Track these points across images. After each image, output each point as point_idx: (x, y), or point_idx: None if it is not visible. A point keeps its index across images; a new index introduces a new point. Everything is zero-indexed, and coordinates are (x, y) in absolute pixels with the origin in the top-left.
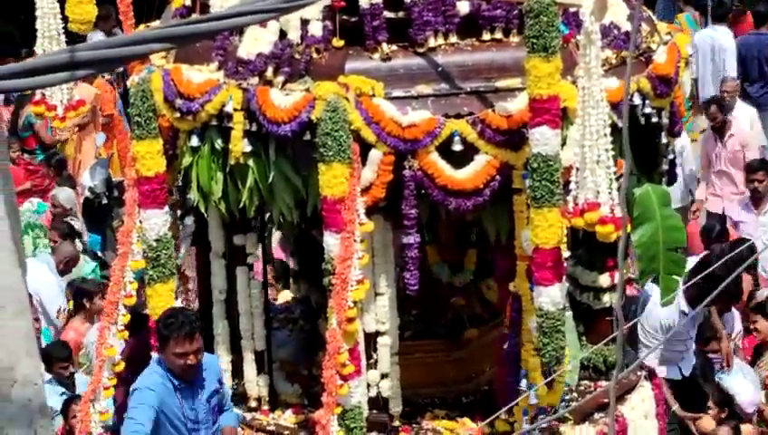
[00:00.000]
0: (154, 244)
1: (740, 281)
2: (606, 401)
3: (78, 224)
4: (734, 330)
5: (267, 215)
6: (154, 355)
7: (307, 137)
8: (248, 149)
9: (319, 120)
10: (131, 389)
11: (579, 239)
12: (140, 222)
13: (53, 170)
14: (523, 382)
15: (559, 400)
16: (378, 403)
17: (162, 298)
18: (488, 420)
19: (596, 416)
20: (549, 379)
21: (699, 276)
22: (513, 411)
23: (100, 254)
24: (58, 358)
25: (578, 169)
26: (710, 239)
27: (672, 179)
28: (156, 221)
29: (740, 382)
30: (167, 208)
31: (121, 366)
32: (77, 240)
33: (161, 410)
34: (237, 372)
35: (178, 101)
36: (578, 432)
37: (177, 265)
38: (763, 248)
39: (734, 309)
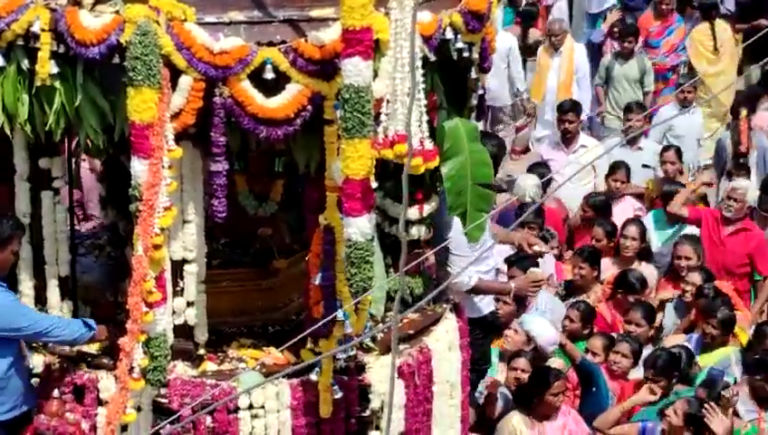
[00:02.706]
0: None
1: None
2: (411, 332)
3: None
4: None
5: (75, 139)
6: None
7: (116, 60)
8: (55, 71)
9: (128, 44)
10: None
11: (388, 171)
12: None
13: None
14: (340, 312)
15: (363, 328)
16: (183, 331)
17: None
18: (285, 345)
19: (400, 347)
20: (352, 303)
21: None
22: (318, 341)
23: None
24: None
25: (389, 101)
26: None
27: (480, 115)
28: None
29: (539, 323)
30: None
31: None
32: None
33: None
34: (40, 297)
35: None
36: (382, 362)
37: None
38: (565, 181)
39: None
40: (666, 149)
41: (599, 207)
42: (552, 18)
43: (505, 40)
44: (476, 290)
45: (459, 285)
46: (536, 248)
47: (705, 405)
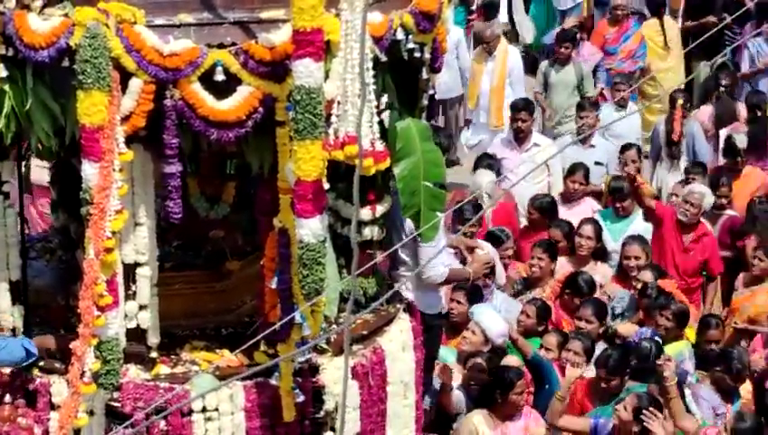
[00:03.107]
0: None
1: None
2: (364, 332)
3: None
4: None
5: (26, 142)
6: None
7: (66, 63)
8: (4, 74)
9: (78, 47)
10: None
11: (340, 173)
12: None
13: None
14: (298, 315)
15: (318, 330)
16: (136, 335)
17: None
18: (239, 349)
19: (354, 348)
20: (307, 305)
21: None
22: (272, 343)
23: None
24: None
25: (339, 103)
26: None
27: (431, 115)
28: None
29: (489, 315)
30: None
31: None
32: None
33: None
34: None
35: None
36: (336, 364)
37: None
38: (520, 179)
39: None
40: (626, 147)
41: (545, 208)
42: (487, 24)
43: (453, 33)
44: (447, 280)
45: (435, 278)
46: (480, 253)
47: (644, 411)
